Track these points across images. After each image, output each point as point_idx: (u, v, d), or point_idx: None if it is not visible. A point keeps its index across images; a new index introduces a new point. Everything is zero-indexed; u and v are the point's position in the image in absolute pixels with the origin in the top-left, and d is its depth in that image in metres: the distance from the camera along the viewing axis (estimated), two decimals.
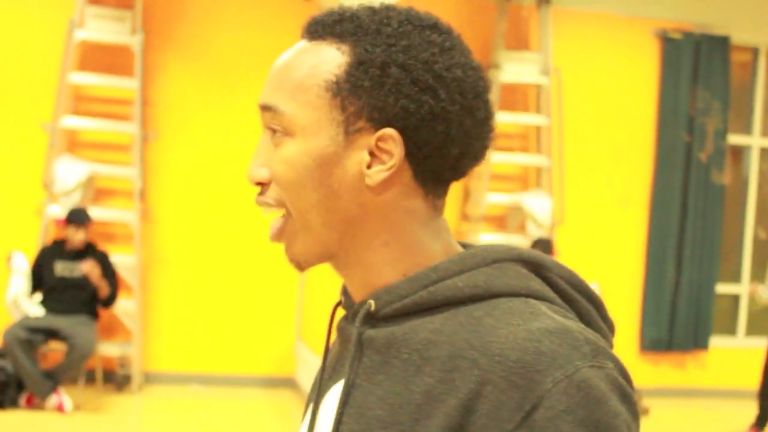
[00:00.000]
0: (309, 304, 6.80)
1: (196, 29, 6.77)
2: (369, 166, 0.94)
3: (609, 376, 0.85)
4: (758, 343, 7.81)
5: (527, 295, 0.91)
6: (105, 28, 6.44)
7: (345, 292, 1.05)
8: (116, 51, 6.58)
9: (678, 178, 7.38)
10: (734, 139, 7.71)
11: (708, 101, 7.36)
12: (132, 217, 6.45)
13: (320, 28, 0.98)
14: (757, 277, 7.73)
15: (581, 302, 0.97)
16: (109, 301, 6.16)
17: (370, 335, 0.97)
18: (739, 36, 7.57)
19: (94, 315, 6.11)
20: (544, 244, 6.43)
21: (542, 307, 0.90)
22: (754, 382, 7.38)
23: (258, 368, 6.88)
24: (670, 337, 7.45)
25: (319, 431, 1.00)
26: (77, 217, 5.99)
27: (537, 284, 0.94)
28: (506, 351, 0.84)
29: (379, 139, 0.93)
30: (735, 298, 7.92)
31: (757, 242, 7.97)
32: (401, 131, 0.93)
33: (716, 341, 7.67)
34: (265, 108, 0.97)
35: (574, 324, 0.88)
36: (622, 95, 7.42)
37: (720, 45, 7.44)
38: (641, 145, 7.46)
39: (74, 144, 6.66)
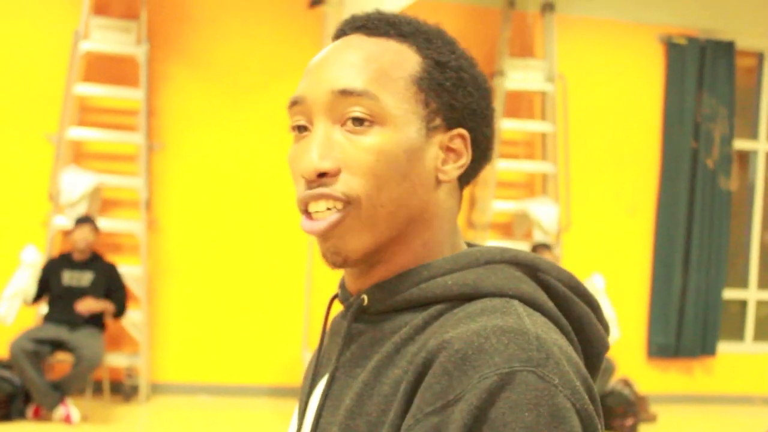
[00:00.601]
0: (316, 313, 6.80)
1: (202, 39, 6.78)
2: (443, 163, 0.97)
3: (543, 390, 0.80)
4: (766, 348, 7.80)
5: (514, 296, 0.90)
6: (110, 39, 6.44)
7: (343, 285, 1.05)
8: (121, 62, 6.59)
9: (684, 184, 7.36)
10: (740, 144, 7.70)
11: (714, 107, 7.35)
12: (138, 227, 6.45)
13: (383, 26, 0.98)
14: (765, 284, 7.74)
15: (579, 305, 0.96)
16: (119, 313, 6.16)
17: (359, 329, 0.98)
18: (743, 41, 7.56)
19: (101, 326, 6.11)
20: (544, 250, 6.45)
21: (520, 308, 0.88)
22: (763, 388, 7.38)
23: (265, 378, 6.87)
24: (677, 343, 7.43)
25: (305, 426, 1.02)
26: (82, 218, 6.02)
27: (528, 287, 0.92)
28: (454, 340, 0.83)
29: (452, 138, 0.97)
30: (742, 304, 7.90)
31: (765, 247, 7.95)
32: (468, 131, 0.98)
33: (724, 347, 7.65)
34: (351, 93, 0.93)
35: (535, 328, 0.85)
36: (628, 101, 7.41)
37: (725, 50, 7.43)
38: (647, 151, 7.45)
39: (80, 155, 6.67)
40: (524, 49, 7.22)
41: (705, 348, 7.50)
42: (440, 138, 0.96)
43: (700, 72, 7.41)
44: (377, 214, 0.93)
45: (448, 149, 0.97)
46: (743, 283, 7.90)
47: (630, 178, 7.43)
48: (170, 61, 6.73)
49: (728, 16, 7.50)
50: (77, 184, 6.27)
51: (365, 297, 0.97)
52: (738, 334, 7.88)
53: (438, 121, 0.96)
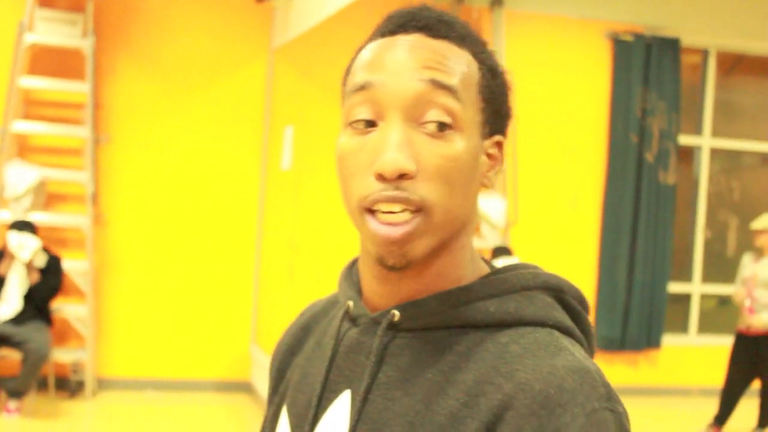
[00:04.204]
0: (263, 308, 6.80)
1: (148, 32, 6.73)
2: (488, 170, 0.98)
3: (619, 421, 0.87)
4: (709, 341, 7.94)
5: (552, 326, 0.94)
6: (56, 31, 6.38)
7: (354, 294, 1.02)
8: (67, 54, 6.53)
9: (630, 178, 7.46)
10: (685, 139, 7.81)
11: (654, 102, 7.44)
12: (84, 221, 6.40)
13: (442, 27, 0.95)
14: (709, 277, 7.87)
15: (584, 315, 1.02)
16: (43, 296, 6.02)
17: (394, 351, 0.96)
18: (689, 38, 7.67)
19: (47, 320, 6.06)
20: (504, 252, 6.49)
21: (564, 341, 0.92)
22: (706, 380, 7.50)
23: (213, 373, 6.86)
24: (623, 336, 7.53)
25: None
26: (17, 225, 5.91)
27: (560, 314, 0.97)
28: (531, 380, 0.86)
29: (493, 144, 0.98)
30: (687, 297, 8.03)
31: (708, 242, 8.08)
32: (504, 137, 0.99)
33: (668, 340, 7.77)
34: (443, 86, 0.91)
35: (590, 363, 0.91)
36: (575, 97, 7.49)
37: (670, 47, 7.53)
38: (594, 146, 7.54)
39: (25, 149, 6.60)
40: None
41: (650, 341, 7.61)
42: (485, 144, 0.96)
43: (645, 68, 7.49)
44: (446, 219, 0.92)
45: (489, 156, 0.97)
46: (687, 277, 8.02)
47: (577, 173, 7.51)
48: (117, 55, 6.68)
49: (674, 13, 7.60)
50: (22, 178, 6.20)
51: (396, 313, 0.95)
52: (682, 327, 8.01)
53: (487, 128, 0.96)
